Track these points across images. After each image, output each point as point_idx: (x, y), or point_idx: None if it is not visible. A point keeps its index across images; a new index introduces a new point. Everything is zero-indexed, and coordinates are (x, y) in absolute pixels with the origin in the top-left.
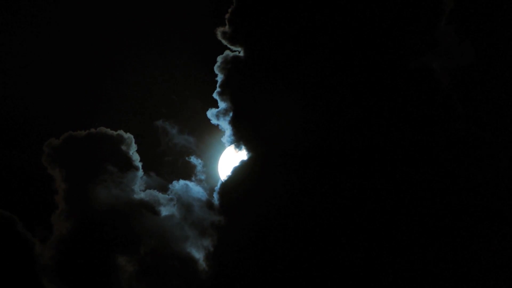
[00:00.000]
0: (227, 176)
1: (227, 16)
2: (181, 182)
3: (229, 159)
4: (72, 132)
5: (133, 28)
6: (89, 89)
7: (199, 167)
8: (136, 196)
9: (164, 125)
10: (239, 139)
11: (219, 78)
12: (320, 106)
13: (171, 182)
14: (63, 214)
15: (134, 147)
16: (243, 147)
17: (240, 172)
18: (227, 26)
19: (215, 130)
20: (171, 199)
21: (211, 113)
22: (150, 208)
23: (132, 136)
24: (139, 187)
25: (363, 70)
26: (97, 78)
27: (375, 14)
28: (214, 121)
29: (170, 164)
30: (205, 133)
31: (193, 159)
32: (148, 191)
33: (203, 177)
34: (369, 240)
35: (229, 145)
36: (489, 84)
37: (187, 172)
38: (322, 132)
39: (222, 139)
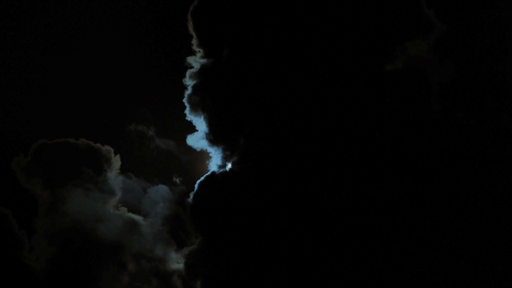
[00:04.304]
0: (201, 189)
1: (198, 52)
2: (160, 204)
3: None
4: (48, 140)
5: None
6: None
7: (181, 187)
8: (116, 216)
9: (142, 129)
10: (223, 157)
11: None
12: (297, 112)
13: (150, 185)
14: (43, 237)
15: (117, 166)
16: (226, 161)
17: (213, 185)
18: (198, 56)
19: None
20: (153, 222)
21: (191, 139)
22: (131, 226)
23: (118, 157)
24: (120, 203)
25: (346, 70)
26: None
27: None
28: (196, 146)
29: (151, 167)
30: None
31: (174, 178)
32: (129, 213)
33: (185, 198)
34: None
35: (217, 170)
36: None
37: (167, 175)
38: (303, 139)
39: (207, 162)
